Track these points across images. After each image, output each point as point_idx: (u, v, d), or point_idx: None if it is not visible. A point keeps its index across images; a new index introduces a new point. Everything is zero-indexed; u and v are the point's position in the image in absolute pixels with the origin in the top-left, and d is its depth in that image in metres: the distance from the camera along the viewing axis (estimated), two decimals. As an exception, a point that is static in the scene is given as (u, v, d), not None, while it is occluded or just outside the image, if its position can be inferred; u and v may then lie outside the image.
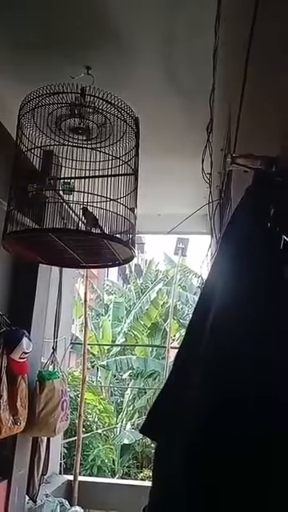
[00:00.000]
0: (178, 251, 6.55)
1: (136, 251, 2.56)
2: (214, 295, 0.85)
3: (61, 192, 2.43)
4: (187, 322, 1.21)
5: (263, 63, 1.23)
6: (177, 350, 0.96)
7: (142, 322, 9.17)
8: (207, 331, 0.81)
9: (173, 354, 6.66)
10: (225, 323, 0.79)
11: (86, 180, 2.38)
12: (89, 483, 4.73)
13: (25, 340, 3.04)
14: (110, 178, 2.36)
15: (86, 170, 2.37)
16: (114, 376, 9.28)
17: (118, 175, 2.40)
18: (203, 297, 0.96)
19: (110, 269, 13.35)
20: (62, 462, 4.97)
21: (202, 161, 2.53)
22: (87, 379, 6.76)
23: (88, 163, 2.37)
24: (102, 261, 2.78)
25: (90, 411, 7.29)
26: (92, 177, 2.36)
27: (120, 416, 8.41)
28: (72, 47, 2.39)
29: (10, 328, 3.09)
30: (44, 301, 3.76)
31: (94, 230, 2.39)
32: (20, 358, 3.04)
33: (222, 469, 0.71)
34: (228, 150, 2.13)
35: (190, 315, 0.99)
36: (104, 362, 8.84)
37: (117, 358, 8.71)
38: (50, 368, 3.75)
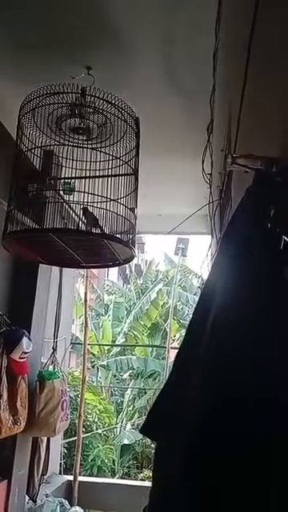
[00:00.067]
0: (178, 251, 6.56)
1: (136, 251, 2.56)
2: (215, 295, 0.85)
3: (61, 192, 2.43)
4: (187, 323, 1.21)
5: (263, 63, 1.23)
6: (177, 350, 0.96)
7: (142, 322, 9.17)
8: (207, 331, 0.81)
9: (173, 354, 6.66)
10: (225, 323, 0.79)
11: (87, 180, 2.38)
12: (89, 483, 4.73)
13: (25, 340, 3.04)
14: (110, 178, 2.36)
15: (86, 170, 2.37)
16: (114, 376, 9.29)
17: (119, 175, 2.40)
18: (203, 297, 0.96)
19: (110, 269, 13.35)
20: (62, 462, 4.97)
21: (203, 161, 2.53)
22: (87, 379, 6.76)
23: (88, 163, 2.37)
24: (102, 261, 2.78)
25: (90, 411, 7.29)
26: (92, 177, 2.36)
27: (120, 416, 8.41)
28: (72, 47, 2.39)
29: (9, 328, 3.09)
30: (44, 301, 3.76)
31: (94, 230, 2.39)
32: (20, 358, 3.04)
33: (222, 469, 0.71)
34: (228, 151, 2.13)
35: (191, 315, 0.99)
36: (104, 362, 8.84)
37: (117, 358, 8.71)
38: (50, 368, 3.75)
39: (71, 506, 4.12)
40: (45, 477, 3.89)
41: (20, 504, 3.38)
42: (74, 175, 2.42)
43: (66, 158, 2.38)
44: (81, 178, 2.40)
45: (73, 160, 2.38)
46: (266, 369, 0.72)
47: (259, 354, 0.73)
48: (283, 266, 0.76)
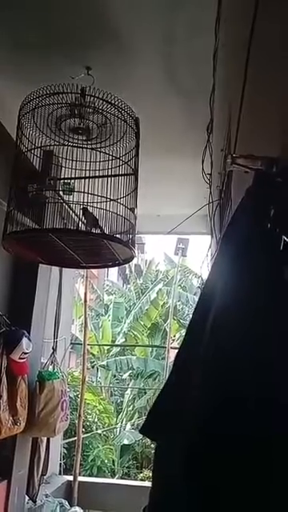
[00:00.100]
0: (178, 251, 6.56)
1: (136, 251, 2.56)
2: (214, 296, 0.85)
3: (61, 192, 2.43)
4: (187, 323, 1.21)
5: (263, 63, 1.23)
6: (177, 351, 0.96)
7: (142, 323, 9.17)
8: (207, 332, 0.81)
9: (173, 354, 6.66)
10: (225, 324, 0.79)
11: (86, 180, 2.38)
12: (88, 483, 4.73)
13: (24, 340, 3.04)
14: (110, 178, 2.36)
15: (86, 170, 2.37)
16: (114, 376, 9.28)
17: (118, 175, 2.40)
18: (203, 297, 0.96)
19: (109, 269, 13.35)
20: (62, 462, 4.96)
21: (202, 161, 2.53)
22: (87, 379, 6.76)
23: (88, 163, 2.37)
24: (102, 261, 2.78)
25: (89, 411, 7.29)
26: (92, 177, 2.36)
27: (120, 416, 8.41)
28: (72, 47, 2.39)
29: (9, 328, 3.09)
30: (44, 301, 3.76)
31: (94, 230, 2.39)
32: (20, 359, 3.04)
33: (222, 469, 0.71)
34: (228, 151, 2.13)
35: (190, 315, 0.99)
36: (104, 363, 8.84)
37: (117, 358, 8.71)
38: (50, 368, 3.75)
39: (71, 506, 4.12)
40: (45, 477, 3.89)
41: (20, 504, 3.38)
42: (73, 175, 2.42)
43: (66, 159, 2.38)
44: (80, 178, 2.40)
45: (72, 160, 2.38)
46: (265, 369, 0.72)
47: (259, 354, 0.73)
48: (283, 266, 0.76)
